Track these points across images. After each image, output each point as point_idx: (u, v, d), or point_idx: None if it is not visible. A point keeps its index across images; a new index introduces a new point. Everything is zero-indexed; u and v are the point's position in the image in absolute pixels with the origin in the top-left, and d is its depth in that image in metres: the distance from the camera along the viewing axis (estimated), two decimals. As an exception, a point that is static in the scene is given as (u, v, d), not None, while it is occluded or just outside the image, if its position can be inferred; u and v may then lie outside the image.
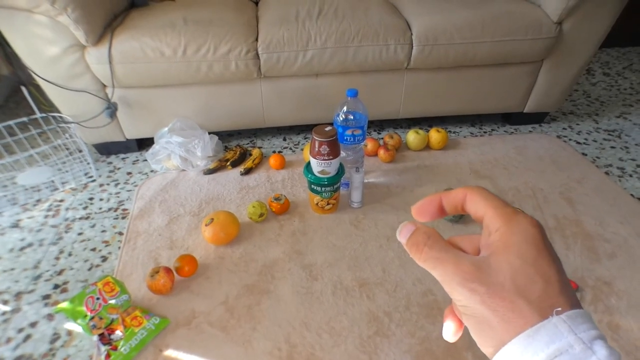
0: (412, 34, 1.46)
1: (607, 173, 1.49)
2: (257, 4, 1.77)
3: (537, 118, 1.81)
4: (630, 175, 1.48)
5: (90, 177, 1.52)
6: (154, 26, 1.39)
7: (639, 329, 0.95)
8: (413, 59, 1.48)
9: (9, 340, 0.97)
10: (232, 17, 1.49)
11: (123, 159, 1.64)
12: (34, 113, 1.42)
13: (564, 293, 0.21)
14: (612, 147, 1.64)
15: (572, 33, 1.49)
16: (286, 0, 1.64)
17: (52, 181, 1.47)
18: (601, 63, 2.43)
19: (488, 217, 0.25)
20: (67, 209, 1.38)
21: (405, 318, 0.99)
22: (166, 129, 1.48)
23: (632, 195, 1.37)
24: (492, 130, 1.79)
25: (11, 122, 1.41)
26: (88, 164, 1.53)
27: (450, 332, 0.28)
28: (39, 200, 1.41)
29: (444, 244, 0.26)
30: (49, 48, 1.31)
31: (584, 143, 1.68)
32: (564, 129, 1.79)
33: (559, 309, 0.20)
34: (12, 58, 1.95)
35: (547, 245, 0.23)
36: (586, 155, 1.60)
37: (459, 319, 0.28)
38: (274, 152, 1.66)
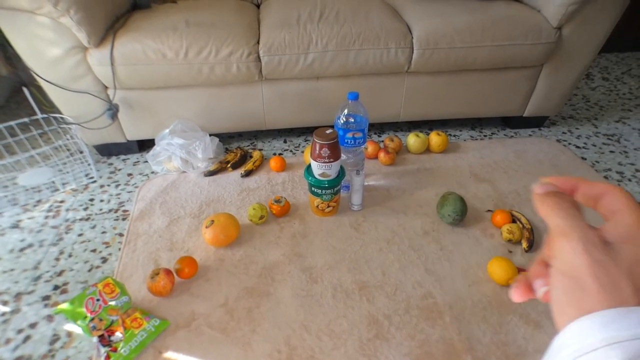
0: (412, 37, 1.46)
1: (606, 177, 1.50)
2: (259, 7, 1.78)
3: (536, 122, 1.82)
4: (630, 180, 1.48)
5: (91, 178, 1.53)
6: (156, 28, 1.39)
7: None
8: (414, 62, 1.49)
9: (8, 341, 0.97)
10: (233, 19, 1.50)
11: (124, 160, 1.65)
12: (35, 114, 1.42)
13: None
14: (611, 152, 1.65)
15: (572, 38, 1.50)
16: (288, 3, 1.65)
17: (53, 182, 1.47)
18: (600, 68, 2.44)
19: (622, 214, 0.25)
20: (67, 209, 1.38)
21: (405, 321, 0.99)
22: (167, 130, 1.48)
23: (631, 199, 1.37)
24: (492, 133, 1.80)
25: (12, 123, 1.41)
26: (89, 164, 1.53)
27: (541, 291, 0.28)
28: (39, 201, 1.41)
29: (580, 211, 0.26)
30: (51, 49, 1.31)
31: (584, 147, 1.69)
32: (563, 133, 1.79)
33: None
34: (14, 59, 1.96)
35: None
36: (585, 159, 1.60)
37: (528, 286, 0.28)
38: (275, 154, 1.66)
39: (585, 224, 0.24)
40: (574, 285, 0.22)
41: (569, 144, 1.71)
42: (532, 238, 1.18)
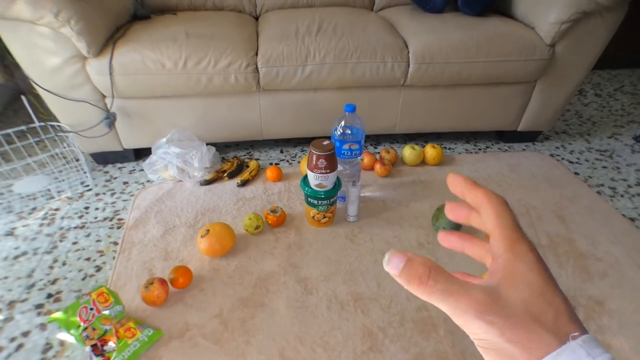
0: (409, 52, 1.49)
1: (599, 192, 1.51)
2: (257, 19, 1.80)
3: (530, 136, 1.84)
4: (622, 196, 1.50)
5: (87, 186, 1.52)
6: (155, 39, 1.41)
7: (630, 348, 0.96)
8: (409, 76, 1.51)
9: (0, 349, 0.96)
10: (233, 31, 1.52)
11: (120, 168, 1.65)
12: (32, 121, 1.42)
13: (573, 319, 0.22)
14: (604, 167, 1.67)
15: (565, 55, 1.53)
16: (286, 16, 1.68)
17: (49, 190, 1.47)
18: (593, 84, 2.49)
19: (494, 239, 0.25)
20: (62, 217, 1.37)
21: (399, 334, 0.99)
22: (164, 139, 1.49)
23: (623, 215, 1.39)
24: (487, 147, 1.82)
25: (9, 131, 1.41)
26: (84, 173, 1.53)
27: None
28: (34, 209, 1.41)
29: (447, 274, 0.24)
30: (50, 58, 1.32)
31: (576, 162, 1.71)
32: (556, 148, 1.82)
33: (575, 333, 0.21)
34: (12, 67, 1.97)
35: (548, 271, 0.24)
36: (578, 174, 1.62)
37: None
38: (271, 164, 1.67)
39: (467, 289, 0.23)
40: (502, 358, 0.22)
41: (562, 158, 1.73)
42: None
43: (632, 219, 1.37)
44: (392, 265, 0.25)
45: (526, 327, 0.21)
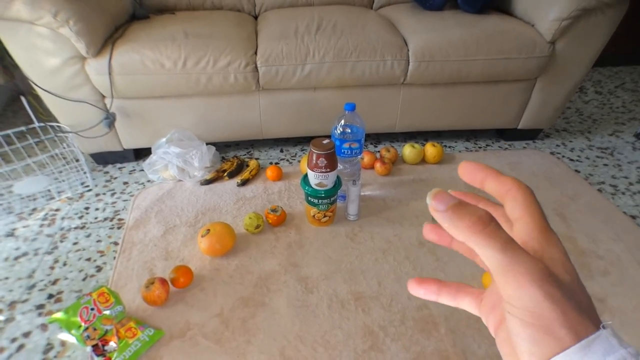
0: (408, 50, 1.48)
1: (599, 190, 1.51)
2: (256, 18, 1.80)
3: (530, 134, 1.84)
4: (623, 193, 1.50)
5: (87, 186, 1.52)
6: (154, 39, 1.41)
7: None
8: (409, 74, 1.51)
9: (1, 350, 0.96)
10: (232, 31, 1.51)
11: (120, 168, 1.65)
12: (32, 122, 1.42)
13: (595, 310, 0.21)
14: (605, 165, 1.67)
15: (565, 52, 1.52)
16: (285, 15, 1.67)
17: (49, 190, 1.47)
18: (593, 82, 2.48)
19: (523, 223, 0.23)
20: (62, 218, 1.37)
21: (400, 332, 0.99)
22: (164, 139, 1.48)
23: (624, 212, 1.38)
24: (487, 145, 1.82)
25: (9, 131, 1.41)
26: (84, 173, 1.53)
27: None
28: (34, 209, 1.41)
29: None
30: (49, 59, 1.32)
31: (577, 160, 1.70)
32: (557, 145, 1.81)
33: (609, 322, 0.20)
34: (11, 68, 1.97)
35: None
36: (579, 172, 1.62)
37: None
38: (271, 163, 1.67)
39: (524, 249, 0.21)
40: (543, 334, 0.20)
41: (563, 156, 1.73)
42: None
43: (633, 217, 1.37)
44: (439, 200, 0.23)
45: (575, 307, 0.20)
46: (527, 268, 0.20)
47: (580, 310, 0.20)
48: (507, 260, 0.21)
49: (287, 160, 1.70)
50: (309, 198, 1.24)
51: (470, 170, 0.26)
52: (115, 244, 1.27)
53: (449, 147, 1.80)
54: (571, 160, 1.70)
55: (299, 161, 1.68)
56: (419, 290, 0.29)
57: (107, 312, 0.95)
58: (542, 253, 0.22)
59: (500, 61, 1.49)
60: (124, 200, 1.46)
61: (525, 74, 1.55)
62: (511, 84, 1.61)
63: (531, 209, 0.23)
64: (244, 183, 1.50)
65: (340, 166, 1.30)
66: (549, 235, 0.23)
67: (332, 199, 1.24)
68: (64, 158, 1.56)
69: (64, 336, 0.99)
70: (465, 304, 0.28)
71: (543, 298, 0.20)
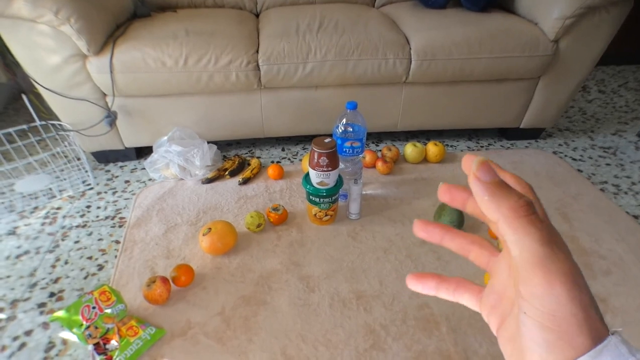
0: (410, 48, 1.48)
1: (602, 190, 1.50)
2: (258, 16, 1.79)
3: (533, 134, 1.83)
4: (626, 193, 1.49)
5: (88, 185, 1.52)
6: (155, 37, 1.40)
7: (635, 346, 0.95)
8: (411, 73, 1.50)
9: (3, 348, 0.96)
10: (233, 29, 1.51)
11: (121, 167, 1.65)
12: (33, 120, 1.42)
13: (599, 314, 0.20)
14: (608, 164, 1.66)
15: (569, 51, 1.51)
16: (287, 13, 1.67)
17: (50, 189, 1.47)
18: (597, 81, 2.47)
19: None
20: (64, 216, 1.37)
21: (401, 331, 0.99)
22: (165, 138, 1.48)
23: (627, 212, 1.38)
24: (489, 144, 1.81)
25: (10, 130, 1.41)
26: (86, 171, 1.53)
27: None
28: (36, 208, 1.41)
29: None
30: (50, 57, 1.32)
31: (580, 159, 1.70)
32: (559, 145, 1.81)
33: (620, 329, 0.19)
34: (13, 66, 1.97)
35: None
36: (582, 171, 1.61)
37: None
38: (273, 162, 1.67)
39: (567, 253, 0.20)
40: (557, 339, 0.19)
41: (565, 156, 1.72)
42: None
43: (636, 217, 1.37)
44: (485, 170, 0.22)
45: (592, 314, 0.19)
46: (562, 267, 0.19)
47: (599, 318, 0.19)
48: (545, 254, 0.19)
49: (289, 159, 1.70)
50: (311, 197, 1.23)
51: (470, 165, 0.24)
52: (117, 242, 1.27)
53: (451, 146, 1.79)
54: (574, 159, 1.70)
55: (301, 160, 1.68)
56: (417, 286, 0.29)
57: (108, 311, 0.95)
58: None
59: (503, 60, 1.49)
60: (126, 199, 1.46)
61: (528, 72, 1.55)
62: (514, 83, 1.60)
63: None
64: (245, 182, 1.50)
65: (341, 165, 1.30)
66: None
67: (333, 197, 1.23)
68: (66, 156, 1.56)
69: (66, 334, 0.99)
70: (465, 299, 0.28)
71: (568, 301, 0.19)
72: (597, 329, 0.19)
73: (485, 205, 0.21)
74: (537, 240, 0.20)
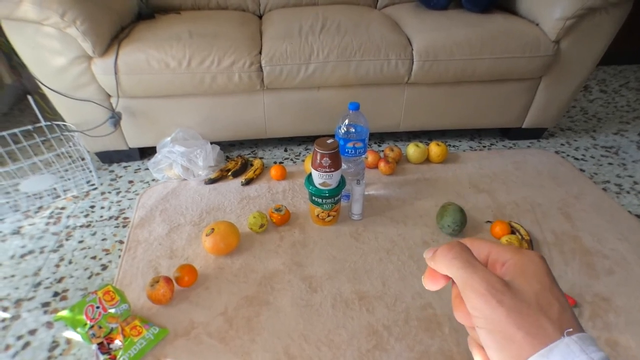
0: (412, 49, 1.48)
1: (604, 189, 1.50)
2: (261, 18, 1.80)
3: (535, 133, 1.83)
4: (628, 192, 1.49)
5: (92, 185, 1.53)
6: (159, 38, 1.41)
7: (638, 345, 0.95)
8: (413, 73, 1.51)
9: (7, 347, 0.97)
10: (236, 31, 1.52)
11: (125, 167, 1.65)
12: (38, 121, 1.43)
13: (574, 318, 0.23)
14: (610, 164, 1.66)
15: (570, 51, 1.52)
16: (290, 15, 1.68)
17: (54, 189, 1.48)
18: (598, 80, 2.47)
19: (495, 253, 0.26)
20: (68, 216, 1.38)
21: (404, 332, 0.99)
22: (169, 138, 1.49)
23: (629, 212, 1.38)
24: (491, 144, 1.81)
25: (16, 130, 1.42)
26: (90, 172, 1.54)
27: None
28: (40, 208, 1.42)
29: (473, 255, 0.26)
30: (56, 59, 1.33)
31: (582, 159, 1.70)
32: (562, 144, 1.81)
33: (570, 329, 0.21)
34: (18, 67, 1.98)
35: (553, 276, 0.25)
36: (584, 171, 1.61)
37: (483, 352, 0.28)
38: (275, 162, 1.67)
39: (485, 269, 0.25)
40: (504, 340, 0.22)
41: (568, 155, 1.72)
42: (531, 249, 1.18)
43: (638, 216, 1.36)
44: (430, 250, 0.28)
45: (534, 315, 0.22)
46: (482, 280, 0.24)
47: (541, 317, 0.22)
48: (467, 276, 0.24)
49: (291, 160, 1.70)
50: (313, 197, 1.24)
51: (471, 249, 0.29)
52: (121, 242, 1.28)
53: (453, 146, 1.79)
54: (576, 159, 1.70)
55: (303, 160, 1.68)
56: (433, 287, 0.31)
57: (112, 311, 0.95)
58: (517, 268, 0.25)
59: (504, 60, 1.49)
60: (129, 199, 1.46)
61: (530, 73, 1.55)
62: (515, 83, 1.61)
63: (491, 243, 0.27)
64: (248, 182, 1.50)
65: (344, 165, 1.30)
66: (524, 253, 0.26)
67: (336, 198, 1.24)
68: (70, 157, 1.57)
69: (70, 334, 1.00)
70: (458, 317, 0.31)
71: (497, 305, 0.23)
72: (539, 327, 0.22)
73: (435, 268, 0.28)
74: (458, 267, 0.25)
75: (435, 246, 0.28)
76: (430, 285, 0.30)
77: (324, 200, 1.23)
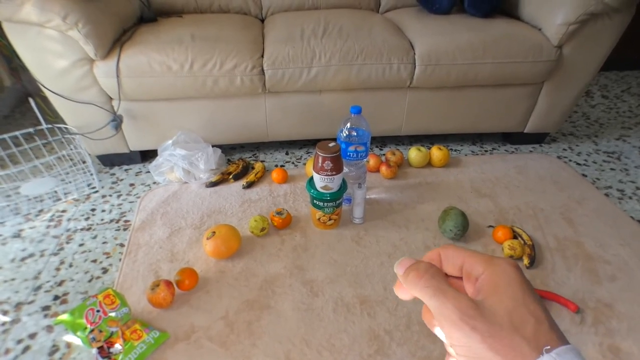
0: (415, 53, 1.48)
1: (607, 195, 1.50)
2: (263, 21, 1.80)
3: (537, 138, 1.83)
4: (630, 198, 1.49)
5: (93, 188, 1.53)
6: (162, 41, 1.41)
7: (640, 352, 0.95)
8: (415, 78, 1.51)
9: (7, 351, 0.97)
10: (238, 34, 1.52)
11: (126, 170, 1.65)
12: (39, 124, 1.44)
13: (553, 329, 0.22)
14: (612, 169, 1.66)
15: (572, 57, 1.52)
16: (292, 18, 1.68)
17: (55, 191, 1.47)
18: (600, 86, 2.47)
19: (468, 265, 0.26)
20: (69, 219, 1.38)
21: (406, 337, 0.98)
22: (170, 141, 1.49)
23: (632, 217, 1.37)
24: (493, 149, 1.81)
25: (17, 133, 1.42)
26: (91, 174, 1.54)
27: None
28: (41, 211, 1.41)
29: (444, 277, 0.26)
30: (58, 61, 1.33)
31: (584, 164, 1.69)
32: (564, 149, 1.80)
33: (549, 347, 0.21)
34: (19, 70, 1.98)
35: (529, 284, 0.24)
36: (586, 176, 1.61)
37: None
38: (277, 166, 1.67)
39: (456, 294, 0.24)
40: None
41: (570, 160, 1.72)
42: (533, 254, 1.18)
43: (641, 222, 1.36)
44: (401, 266, 0.28)
45: (508, 336, 0.22)
46: (454, 308, 0.23)
47: (516, 337, 0.22)
48: (439, 304, 0.24)
49: (293, 163, 1.70)
50: (315, 201, 1.23)
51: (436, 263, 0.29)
52: (121, 245, 1.27)
53: (455, 150, 1.79)
54: (578, 164, 1.69)
55: (305, 164, 1.68)
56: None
57: (112, 314, 0.95)
58: (489, 285, 0.24)
59: (507, 65, 1.49)
60: (130, 202, 1.46)
61: (532, 78, 1.55)
62: (518, 88, 1.61)
63: (465, 252, 0.27)
64: (249, 185, 1.50)
65: (345, 169, 1.30)
66: (495, 265, 0.25)
67: (337, 202, 1.23)
68: (71, 159, 1.57)
69: (70, 338, 1.00)
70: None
71: (471, 331, 0.22)
72: (520, 349, 0.21)
73: (409, 290, 0.27)
74: (429, 296, 0.25)
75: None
76: (402, 295, 0.30)
77: (326, 204, 1.22)
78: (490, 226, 1.31)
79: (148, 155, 1.71)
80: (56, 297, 1.10)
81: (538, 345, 0.21)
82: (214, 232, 1.16)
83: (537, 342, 0.21)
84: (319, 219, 1.27)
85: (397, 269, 0.28)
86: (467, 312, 0.23)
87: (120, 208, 1.43)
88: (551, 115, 1.70)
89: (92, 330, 0.91)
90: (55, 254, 1.24)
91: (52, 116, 1.68)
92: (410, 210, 1.39)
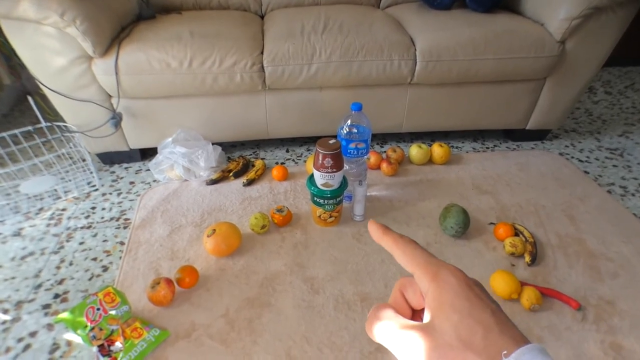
0: (415, 50, 1.47)
1: (609, 192, 1.49)
2: (263, 18, 1.80)
3: (539, 135, 1.82)
4: (633, 195, 1.48)
5: (93, 186, 1.53)
6: (160, 38, 1.41)
7: (643, 349, 0.94)
8: (416, 74, 1.50)
9: (8, 349, 0.96)
10: (238, 31, 1.51)
11: (126, 168, 1.65)
12: (39, 122, 1.43)
13: (505, 333, 0.21)
14: (614, 166, 1.65)
15: (575, 52, 1.50)
16: (292, 15, 1.67)
17: (55, 190, 1.47)
18: (603, 82, 2.45)
19: (417, 277, 0.26)
20: (69, 218, 1.38)
21: (406, 334, 0.98)
22: (170, 139, 1.49)
23: (634, 214, 1.37)
24: (495, 146, 1.80)
25: (16, 131, 1.42)
26: (91, 173, 1.54)
27: None
28: (41, 209, 1.41)
29: (393, 311, 0.26)
30: (56, 59, 1.32)
31: (586, 161, 1.68)
32: (566, 146, 1.79)
33: (505, 351, 0.20)
34: (18, 68, 1.98)
35: (476, 290, 0.24)
36: (588, 173, 1.60)
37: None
38: (277, 163, 1.66)
39: (403, 325, 0.25)
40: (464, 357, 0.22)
41: (572, 157, 1.71)
42: (534, 251, 1.17)
43: (644, 218, 1.35)
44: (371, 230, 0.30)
45: (458, 354, 0.21)
46: (407, 342, 0.24)
47: (467, 353, 0.21)
48: (393, 344, 0.25)
49: (293, 160, 1.70)
50: (315, 198, 1.23)
51: (370, 230, 0.31)
52: (122, 243, 1.27)
53: (456, 147, 1.78)
54: (580, 161, 1.68)
55: (305, 161, 1.68)
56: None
57: (113, 312, 0.95)
58: (435, 302, 0.24)
59: (509, 61, 1.48)
60: (130, 200, 1.46)
61: (534, 73, 1.54)
62: (520, 84, 1.60)
63: (416, 261, 0.26)
64: (249, 183, 1.49)
65: (346, 166, 1.29)
66: (438, 278, 0.24)
67: (338, 199, 1.23)
68: (71, 158, 1.57)
69: (70, 336, 0.99)
70: None
71: (451, 330, 0.22)
72: (495, 346, 0.21)
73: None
74: (385, 340, 0.25)
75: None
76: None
77: (326, 201, 1.22)
78: (492, 223, 1.30)
79: (148, 153, 1.71)
80: (56, 296, 1.10)
81: (490, 355, 0.20)
82: (215, 229, 1.16)
83: (488, 353, 0.21)
84: (319, 216, 1.27)
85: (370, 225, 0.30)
86: (417, 342, 0.23)
87: (120, 206, 1.43)
88: (553, 112, 1.69)
89: (92, 329, 0.91)
90: (55, 252, 1.24)
91: (52, 114, 1.68)
92: (411, 207, 1.39)
